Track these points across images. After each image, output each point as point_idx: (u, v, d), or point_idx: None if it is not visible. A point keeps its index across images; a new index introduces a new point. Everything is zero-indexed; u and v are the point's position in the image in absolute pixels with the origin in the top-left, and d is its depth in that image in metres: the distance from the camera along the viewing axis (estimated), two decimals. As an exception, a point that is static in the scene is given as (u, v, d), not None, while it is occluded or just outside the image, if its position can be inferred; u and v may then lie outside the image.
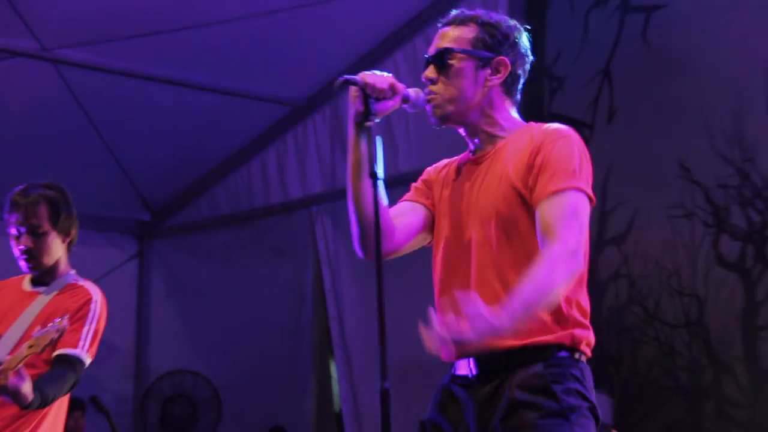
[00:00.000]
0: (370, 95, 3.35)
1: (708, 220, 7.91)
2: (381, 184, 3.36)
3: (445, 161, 3.70)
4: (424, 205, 3.59)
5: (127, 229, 11.32)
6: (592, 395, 3.35)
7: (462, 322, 3.02)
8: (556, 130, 3.43)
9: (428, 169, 3.71)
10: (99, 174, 10.25)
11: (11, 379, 4.30)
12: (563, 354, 3.31)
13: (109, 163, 10.35)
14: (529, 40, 3.65)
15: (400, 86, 3.41)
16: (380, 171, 3.33)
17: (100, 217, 10.70)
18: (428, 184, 3.65)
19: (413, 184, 3.68)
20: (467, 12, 3.57)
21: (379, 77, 3.36)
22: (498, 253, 3.35)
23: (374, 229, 3.30)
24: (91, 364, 4.82)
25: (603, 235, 8.28)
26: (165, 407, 10.10)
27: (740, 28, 7.89)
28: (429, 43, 3.61)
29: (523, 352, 3.28)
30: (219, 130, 10.38)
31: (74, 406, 8.36)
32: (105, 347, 10.53)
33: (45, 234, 4.79)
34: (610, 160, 8.30)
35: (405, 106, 3.47)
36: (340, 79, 3.38)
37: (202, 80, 9.62)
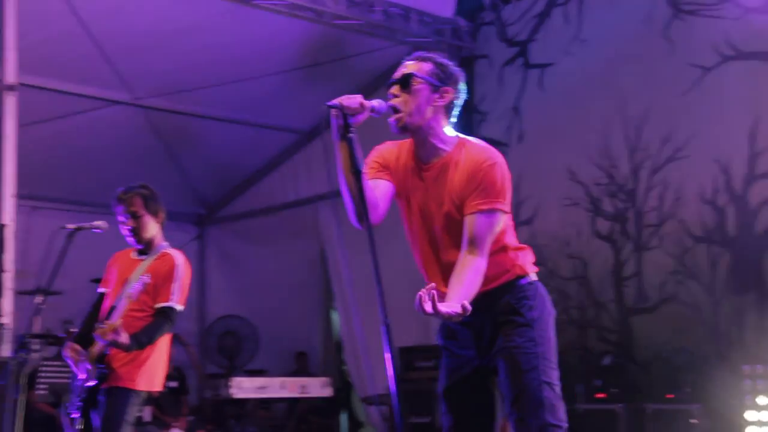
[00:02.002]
0: (346, 113, 3.15)
1: (588, 207, 7.98)
2: (363, 176, 3.16)
3: (389, 144, 3.46)
4: (386, 180, 3.37)
5: (190, 219, 11.28)
6: (548, 304, 3.33)
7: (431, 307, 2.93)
8: (487, 157, 3.27)
9: (379, 149, 3.45)
10: (172, 185, 10.16)
11: (109, 336, 4.36)
12: (522, 282, 3.30)
13: (179, 175, 10.34)
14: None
15: (367, 102, 3.18)
16: (361, 166, 3.15)
17: (173, 212, 10.59)
18: (384, 163, 3.40)
19: (369, 162, 3.39)
20: (426, 53, 3.41)
21: (351, 99, 3.15)
22: (443, 241, 3.30)
23: (362, 207, 3.13)
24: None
25: (517, 219, 8.29)
26: (219, 340, 10.05)
27: (605, 78, 7.94)
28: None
29: (494, 293, 3.27)
30: (252, 152, 10.40)
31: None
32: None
33: (141, 217, 4.75)
34: (520, 168, 8.26)
35: (373, 114, 3.22)
36: (325, 104, 3.19)
37: (241, 117, 9.65)
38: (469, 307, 2.97)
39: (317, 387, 8.42)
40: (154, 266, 4.72)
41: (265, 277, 10.52)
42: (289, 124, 10.03)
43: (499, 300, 3.29)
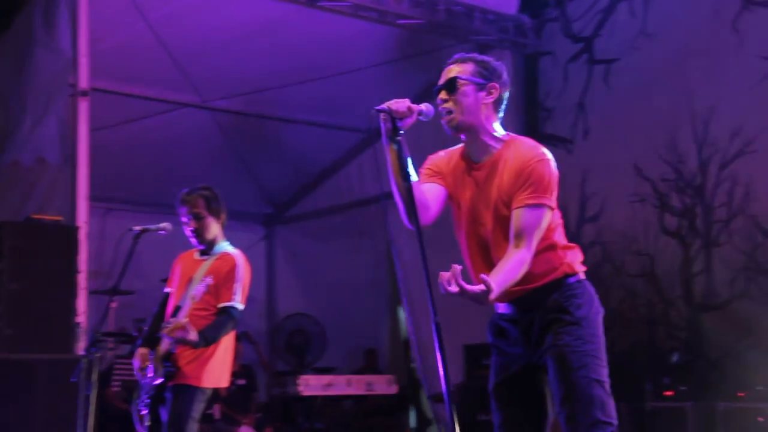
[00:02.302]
0: (395, 117, 3.21)
1: (655, 203, 7.90)
2: (410, 178, 3.20)
3: (443, 153, 3.50)
4: (439, 184, 3.40)
5: (259, 219, 11.40)
6: (596, 302, 3.32)
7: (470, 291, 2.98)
8: (535, 155, 3.28)
9: (432, 156, 3.50)
10: (240, 185, 10.34)
11: (177, 333, 4.47)
12: (570, 280, 3.30)
13: (247, 178, 10.48)
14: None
15: (414, 106, 3.22)
16: (408, 168, 3.20)
17: (241, 212, 10.80)
18: (436, 168, 3.43)
19: (422, 170, 3.44)
20: (465, 55, 3.43)
21: (399, 103, 3.20)
22: (495, 239, 3.31)
23: (411, 208, 3.17)
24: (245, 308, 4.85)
25: (583, 215, 8.26)
26: (288, 338, 10.14)
27: (672, 73, 7.86)
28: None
29: (542, 290, 3.28)
30: (320, 151, 10.45)
31: (231, 338, 8.45)
32: (248, 299, 10.77)
33: (204, 218, 4.84)
34: (586, 165, 8.29)
35: (420, 117, 3.26)
36: (374, 109, 3.24)
37: (309, 117, 9.71)
38: (494, 285, 2.97)
39: (383, 384, 8.46)
40: (215, 266, 4.81)
41: (333, 275, 10.57)
42: (357, 123, 10.05)
43: (548, 298, 3.29)
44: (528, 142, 3.38)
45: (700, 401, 6.87)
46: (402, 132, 3.23)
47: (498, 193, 3.30)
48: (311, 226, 11.11)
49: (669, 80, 7.85)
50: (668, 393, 7.06)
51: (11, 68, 7.02)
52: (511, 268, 3.16)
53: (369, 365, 9.90)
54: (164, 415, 4.64)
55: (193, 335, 4.47)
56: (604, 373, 3.24)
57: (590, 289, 3.37)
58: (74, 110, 6.80)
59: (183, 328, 4.45)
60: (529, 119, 8.78)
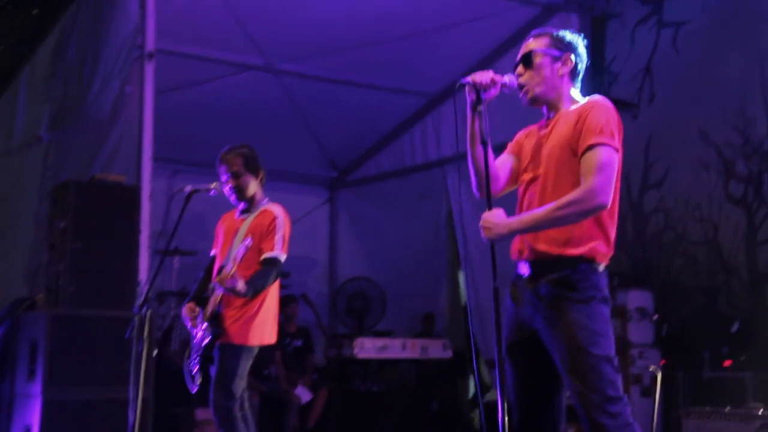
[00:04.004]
0: (479, 89, 3.32)
1: (720, 169, 7.75)
2: (489, 148, 3.36)
3: (529, 127, 3.63)
4: (516, 155, 3.55)
5: (322, 183, 11.43)
6: (605, 291, 3.32)
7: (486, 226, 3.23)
8: (591, 100, 3.39)
9: (520, 132, 3.66)
10: (304, 148, 10.42)
11: (228, 282, 4.53)
12: (584, 266, 3.29)
13: (311, 141, 10.50)
14: (590, 47, 3.63)
15: (498, 78, 3.36)
16: (488, 138, 3.35)
17: (306, 175, 10.91)
18: (518, 141, 3.59)
19: (510, 142, 3.63)
20: (542, 30, 3.57)
21: (483, 74, 3.35)
22: (553, 185, 3.34)
23: (485, 178, 3.34)
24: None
25: (646, 181, 8.15)
26: (348, 301, 10.20)
27: (741, 37, 7.67)
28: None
29: (558, 260, 3.29)
30: (383, 115, 10.42)
31: (290, 300, 8.54)
32: (310, 262, 10.87)
33: (242, 175, 4.94)
34: (650, 130, 8.18)
35: (504, 90, 3.40)
36: (460, 82, 3.36)
37: (372, 81, 9.66)
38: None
39: (438, 348, 8.48)
40: (255, 222, 4.91)
41: (394, 239, 10.58)
42: (418, 87, 10.04)
43: (560, 270, 3.29)
44: (593, 96, 3.45)
45: (759, 371, 6.75)
46: (484, 102, 3.34)
47: (556, 139, 3.37)
48: (373, 190, 11.10)
49: (739, 44, 7.66)
50: (727, 362, 6.96)
51: (85, 31, 7.16)
52: (556, 201, 3.23)
53: (426, 329, 9.92)
54: (213, 373, 4.73)
55: (241, 285, 4.55)
56: (611, 351, 3.26)
57: (604, 280, 3.36)
58: (141, 72, 6.89)
59: (232, 277, 4.53)
60: (594, 83, 8.58)
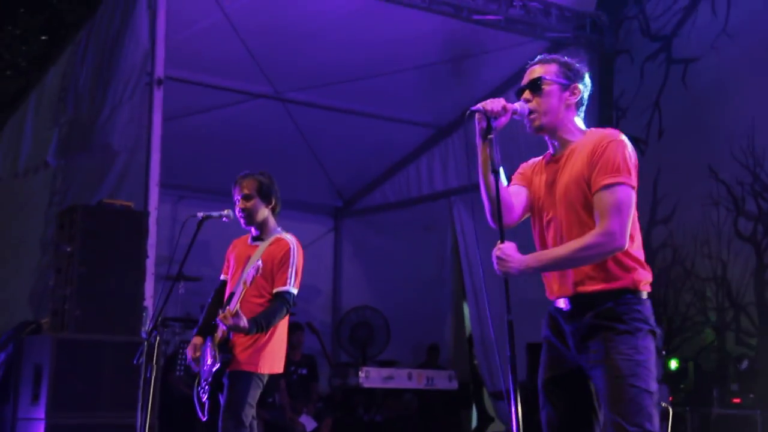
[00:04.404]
0: (490, 116, 3.25)
1: (729, 207, 7.74)
2: (501, 176, 3.28)
3: (533, 159, 3.54)
4: (527, 188, 3.44)
5: (327, 212, 11.42)
6: (652, 321, 3.23)
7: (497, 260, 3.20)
8: (607, 135, 3.29)
9: (523, 164, 3.55)
10: (310, 177, 10.40)
11: (229, 320, 4.44)
12: (629, 296, 3.20)
13: (317, 170, 10.51)
14: (596, 82, 3.55)
15: (509, 105, 3.28)
16: (499, 167, 3.27)
17: (311, 203, 10.87)
18: (525, 174, 3.49)
19: (515, 174, 3.52)
20: (548, 56, 3.46)
21: (494, 102, 3.26)
22: (568, 227, 3.26)
23: (497, 206, 3.26)
24: (303, 297, 4.82)
25: (654, 217, 8.12)
26: (352, 330, 10.16)
27: (752, 74, 7.68)
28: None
29: (598, 295, 3.20)
30: (389, 146, 10.44)
31: (296, 328, 8.47)
32: (314, 291, 10.81)
33: (252, 198, 4.83)
34: (659, 165, 8.16)
35: (515, 117, 3.32)
36: (470, 110, 3.27)
37: (380, 112, 9.71)
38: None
39: (444, 379, 8.42)
40: (268, 251, 4.79)
41: (399, 269, 10.56)
42: (426, 119, 10.06)
43: (602, 305, 3.21)
44: (601, 129, 3.38)
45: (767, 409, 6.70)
46: (495, 131, 3.28)
47: (570, 176, 3.29)
48: (378, 220, 11.09)
49: (749, 81, 7.67)
50: (736, 400, 6.90)
51: (97, 57, 7.18)
52: (574, 242, 3.18)
53: (431, 360, 9.87)
54: (222, 400, 4.67)
55: (244, 322, 4.46)
56: (653, 385, 3.17)
57: (649, 309, 3.27)
58: (150, 98, 6.90)
59: (235, 315, 4.45)
60: (602, 118, 8.66)
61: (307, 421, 7.93)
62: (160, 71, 6.94)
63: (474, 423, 9.97)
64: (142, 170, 6.86)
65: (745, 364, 7.14)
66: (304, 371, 8.38)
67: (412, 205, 10.64)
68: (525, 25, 8.34)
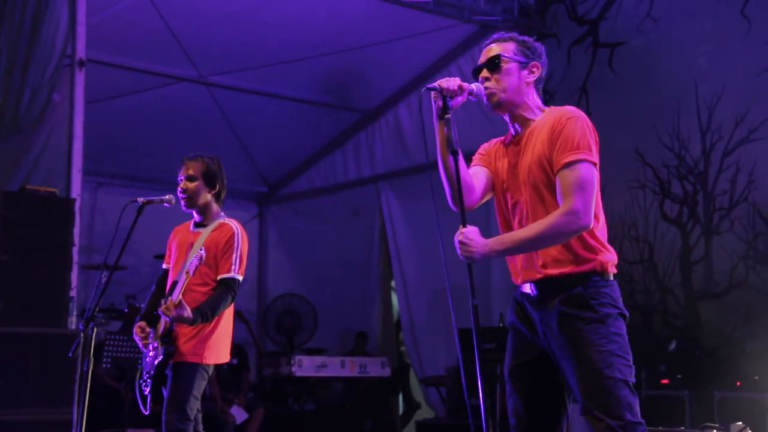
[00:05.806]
0: (446, 95, 3.21)
1: (656, 190, 7.86)
2: (460, 157, 3.22)
3: (493, 140, 3.48)
4: (488, 169, 3.40)
5: (251, 198, 11.35)
6: (620, 303, 3.19)
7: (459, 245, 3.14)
8: (565, 112, 3.26)
9: (483, 145, 3.50)
10: (235, 162, 10.21)
11: (172, 312, 4.34)
12: (596, 278, 3.16)
13: (241, 154, 10.39)
14: None
15: (465, 85, 3.24)
16: (457, 146, 3.22)
17: (235, 189, 10.66)
18: (486, 155, 3.44)
19: (475, 155, 3.47)
20: (505, 34, 3.42)
21: (450, 81, 3.21)
22: (533, 209, 3.22)
23: (457, 188, 3.20)
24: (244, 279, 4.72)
25: (582, 200, 8.20)
26: (278, 318, 10.10)
27: (676, 59, 7.81)
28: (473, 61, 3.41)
29: (566, 278, 3.16)
30: (314, 130, 10.39)
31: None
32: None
33: (196, 180, 4.72)
34: (587, 149, 8.24)
35: (471, 97, 3.28)
36: (426, 88, 3.22)
37: (306, 96, 9.63)
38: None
39: (377, 366, 8.42)
40: (212, 237, 4.69)
41: (325, 256, 10.52)
42: (352, 103, 10.02)
43: (572, 289, 3.16)
44: (564, 107, 3.35)
45: (696, 390, 6.84)
46: (451, 110, 3.23)
47: (532, 157, 3.25)
48: (304, 206, 11.03)
49: (674, 65, 7.80)
50: (664, 381, 7.04)
51: (12, 39, 6.92)
52: (538, 223, 3.13)
53: (359, 347, 9.87)
54: (166, 393, 4.56)
55: (187, 312, 4.36)
56: (630, 373, 3.13)
57: (617, 291, 3.24)
58: (71, 81, 6.71)
59: (178, 305, 4.34)
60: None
61: (238, 413, 7.82)
62: (81, 52, 6.76)
63: (400, 409, 9.99)
64: (61, 155, 6.67)
65: (673, 345, 7.28)
66: (234, 361, 8.26)
67: (338, 190, 10.61)
68: (453, 9, 8.34)
